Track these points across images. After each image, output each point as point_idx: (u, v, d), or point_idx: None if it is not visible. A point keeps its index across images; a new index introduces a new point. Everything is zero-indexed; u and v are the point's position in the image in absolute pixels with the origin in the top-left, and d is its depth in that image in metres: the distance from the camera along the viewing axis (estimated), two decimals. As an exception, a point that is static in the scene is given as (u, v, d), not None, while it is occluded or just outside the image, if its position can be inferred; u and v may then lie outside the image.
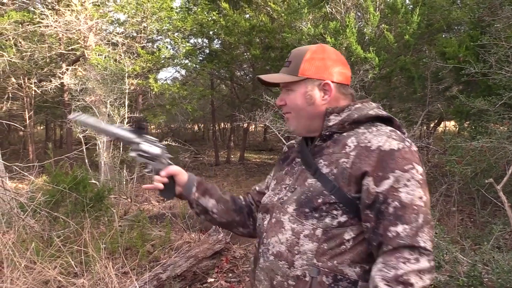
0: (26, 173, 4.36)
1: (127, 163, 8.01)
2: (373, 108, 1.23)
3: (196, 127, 24.32)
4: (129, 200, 6.29)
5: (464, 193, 5.70)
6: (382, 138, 1.12)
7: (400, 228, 1.04)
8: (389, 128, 1.18)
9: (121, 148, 7.70)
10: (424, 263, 1.02)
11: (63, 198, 4.21)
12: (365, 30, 7.80)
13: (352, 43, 6.85)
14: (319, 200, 1.13)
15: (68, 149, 10.80)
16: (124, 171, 7.56)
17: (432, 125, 10.79)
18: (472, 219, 5.53)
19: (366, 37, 7.79)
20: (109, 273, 3.49)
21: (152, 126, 20.09)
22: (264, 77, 1.33)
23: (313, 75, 1.23)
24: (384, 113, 1.23)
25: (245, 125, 13.59)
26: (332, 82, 1.23)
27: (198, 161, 15.29)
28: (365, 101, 1.27)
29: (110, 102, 7.63)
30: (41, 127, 23.45)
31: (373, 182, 1.08)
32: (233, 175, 11.47)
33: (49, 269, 3.32)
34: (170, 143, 7.75)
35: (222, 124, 21.49)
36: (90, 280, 3.38)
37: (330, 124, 1.22)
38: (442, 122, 12.63)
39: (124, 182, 7.49)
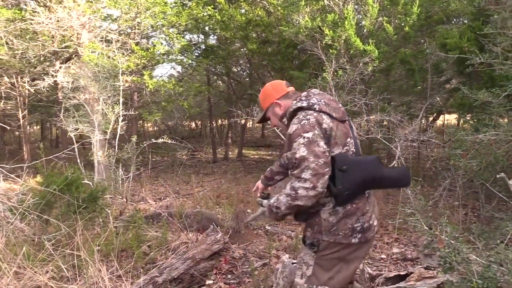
0: (15, 175, 4.20)
1: (122, 161, 7.85)
2: (295, 103, 2.08)
3: (193, 124, 24.16)
4: (125, 199, 6.13)
5: (467, 188, 5.58)
6: (292, 126, 1.99)
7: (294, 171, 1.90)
8: (302, 114, 2.00)
9: (116, 147, 7.53)
10: (297, 183, 1.85)
11: (55, 200, 4.06)
12: (364, 22, 7.65)
13: (351, 36, 6.70)
14: None
15: (64, 149, 10.62)
16: (120, 170, 7.40)
17: (431, 118, 10.66)
18: (476, 214, 5.41)
19: (365, 30, 7.65)
20: (103, 277, 3.35)
21: (148, 124, 19.94)
22: (256, 120, 2.53)
23: (268, 104, 2.25)
24: (299, 105, 2.05)
25: (243, 121, 13.44)
26: (277, 99, 2.21)
27: (195, 159, 15.15)
28: (295, 97, 2.14)
29: (103, 99, 7.45)
30: (38, 127, 23.24)
31: (289, 153, 1.95)
32: (231, 172, 11.32)
33: (40, 274, 3.17)
34: (166, 141, 7.57)
35: (220, 121, 21.34)
36: (83, 285, 3.23)
37: (285, 122, 2.18)
38: (442, 115, 12.51)
39: (120, 181, 7.34)
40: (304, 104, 2.03)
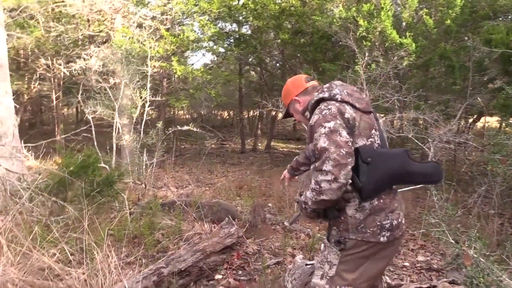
0: (36, 154, 4.18)
1: (147, 147, 7.84)
2: (317, 95, 2.03)
3: (225, 114, 24.15)
4: (144, 185, 6.08)
5: (505, 196, 5.15)
6: (314, 116, 1.92)
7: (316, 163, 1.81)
8: (324, 104, 1.92)
9: (141, 132, 7.51)
10: (320, 177, 1.76)
11: (70, 182, 4.01)
12: (402, 14, 7.22)
13: (387, 27, 6.33)
14: None
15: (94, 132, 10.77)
16: (144, 155, 7.38)
17: (471, 120, 10.05)
18: (513, 224, 5.00)
19: (403, 22, 7.22)
20: (110, 263, 3.27)
21: (180, 112, 20.05)
22: (281, 116, 2.82)
23: (288, 101, 2.25)
24: (320, 96, 1.99)
25: (273, 113, 13.22)
26: (296, 96, 2.19)
27: (223, 148, 15.09)
28: (316, 90, 2.11)
29: (131, 85, 7.43)
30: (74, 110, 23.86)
31: (311, 145, 1.91)
32: (258, 163, 11.16)
33: (46, 257, 3.12)
34: (191, 128, 7.47)
35: (251, 112, 21.18)
36: (89, 269, 3.15)
37: (308, 116, 2.12)
38: (483, 117, 11.80)
39: (144, 167, 7.32)
40: (326, 95, 1.97)
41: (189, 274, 3.44)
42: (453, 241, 1.90)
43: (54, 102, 11.03)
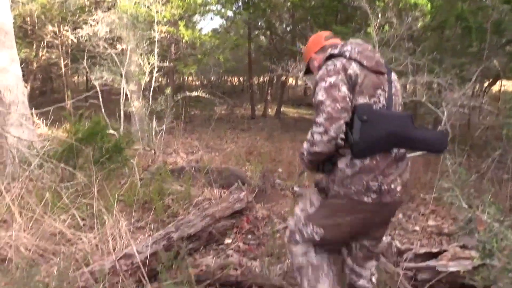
0: (45, 121, 4.17)
1: (157, 114, 7.82)
2: (329, 51, 2.00)
3: (235, 80, 23.93)
4: (153, 152, 6.09)
5: (519, 160, 5.04)
6: (319, 71, 1.93)
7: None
8: (329, 61, 1.91)
9: (150, 98, 7.47)
10: (313, 129, 1.82)
11: (80, 149, 4.01)
12: (417, -28, 6.88)
13: (401, -14, 6.06)
14: None
15: (103, 99, 10.75)
16: (154, 122, 7.37)
17: (486, 83, 9.78)
18: (527, 189, 4.92)
19: (419, -20, 6.89)
20: (120, 228, 3.30)
21: (189, 78, 19.90)
22: (303, 72, 2.54)
23: (308, 57, 2.26)
24: (331, 52, 1.97)
25: (283, 78, 13.02)
26: (314, 53, 2.21)
27: (234, 114, 15.02)
28: (329, 47, 2.10)
29: (139, 50, 7.32)
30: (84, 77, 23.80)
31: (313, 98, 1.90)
32: (268, 129, 11.11)
33: (58, 222, 3.16)
34: (200, 94, 7.39)
35: (261, 77, 20.93)
36: (100, 234, 3.19)
37: None
38: (498, 81, 11.47)
39: (153, 134, 7.33)
40: (336, 51, 1.96)
41: (198, 239, 3.47)
42: (466, 206, 1.85)
43: (63, 70, 10.97)
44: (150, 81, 7.39)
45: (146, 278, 2.65)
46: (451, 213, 4.43)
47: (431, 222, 4.14)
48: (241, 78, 22.91)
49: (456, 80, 5.82)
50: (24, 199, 3.15)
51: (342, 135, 1.77)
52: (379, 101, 1.87)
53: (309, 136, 1.85)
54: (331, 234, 1.96)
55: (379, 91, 1.88)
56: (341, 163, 1.89)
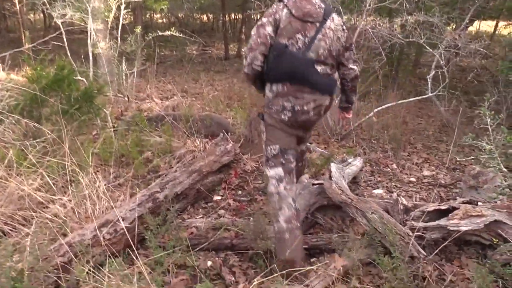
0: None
1: (126, 55, 7.18)
2: None
3: (205, 17, 22.64)
4: (126, 98, 5.60)
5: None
6: None
7: None
8: (274, 4, 2.36)
9: (118, 38, 6.79)
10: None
11: (45, 99, 3.51)
12: None
13: None
14: None
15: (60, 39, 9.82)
16: (123, 64, 6.77)
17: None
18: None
19: None
20: (98, 187, 2.96)
21: (157, 16, 18.64)
22: None
23: None
24: None
25: (258, 16, 12.28)
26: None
27: (206, 54, 14.26)
28: None
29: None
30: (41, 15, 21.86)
31: None
32: (244, 71, 10.59)
33: (25, 185, 2.77)
34: (174, 34, 6.78)
35: (233, 15, 19.84)
36: (75, 196, 2.83)
37: None
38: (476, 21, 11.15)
39: (124, 77, 6.75)
40: None
41: (185, 197, 3.18)
42: (506, 170, 1.62)
43: (18, 6, 9.82)
44: (117, 18, 6.67)
45: (134, 246, 2.37)
46: (444, 161, 4.31)
47: (426, 172, 4.00)
48: (211, 16, 21.68)
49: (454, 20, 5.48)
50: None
51: (258, 63, 2.29)
52: (296, 44, 2.27)
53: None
54: (283, 144, 2.43)
55: (299, 36, 2.26)
56: (267, 89, 2.42)
